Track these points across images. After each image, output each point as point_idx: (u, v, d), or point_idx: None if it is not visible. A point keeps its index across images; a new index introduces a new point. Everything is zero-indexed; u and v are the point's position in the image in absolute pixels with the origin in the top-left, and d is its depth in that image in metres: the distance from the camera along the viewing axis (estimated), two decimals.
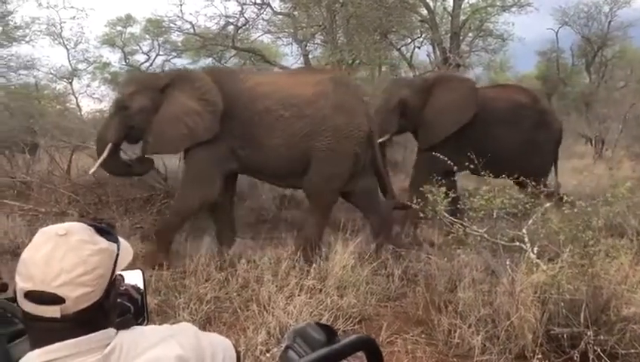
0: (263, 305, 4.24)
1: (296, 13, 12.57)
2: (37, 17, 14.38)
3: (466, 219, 5.33)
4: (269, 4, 12.17)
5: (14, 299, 1.58)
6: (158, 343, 1.08)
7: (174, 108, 5.84)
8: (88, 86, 15.36)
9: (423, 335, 4.20)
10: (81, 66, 14.49)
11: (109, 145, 5.90)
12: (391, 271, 5.35)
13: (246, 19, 11.82)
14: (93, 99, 14.88)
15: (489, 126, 7.31)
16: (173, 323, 1.19)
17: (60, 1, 14.04)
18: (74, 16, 14.48)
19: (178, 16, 12.06)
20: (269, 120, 5.82)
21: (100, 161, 6.04)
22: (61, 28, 14.65)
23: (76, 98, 14.95)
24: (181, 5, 11.92)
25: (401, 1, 11.66)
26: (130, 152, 7.07)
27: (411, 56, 16.01)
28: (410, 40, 15.09)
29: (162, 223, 6.28)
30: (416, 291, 4.87)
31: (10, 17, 13.43)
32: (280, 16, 12.88)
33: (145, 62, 15.32)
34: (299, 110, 5.85)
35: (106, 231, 1.11)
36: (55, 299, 1.00)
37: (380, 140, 6.70)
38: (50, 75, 14.46)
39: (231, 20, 11.70)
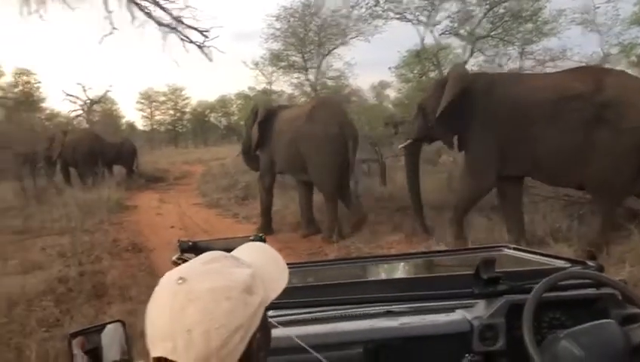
0: None
1: None
2: (563, 9, 14.44)
3: None
4: None
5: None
6: None
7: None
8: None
9: None
10: (613, 51, 14.04)
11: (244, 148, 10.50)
12: None
13: None
14: None
15: (528, 124, 6.19)
16: None
17: None
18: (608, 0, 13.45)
19: None
20: (280, 135, 9.16)
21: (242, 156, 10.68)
22: (594, 14, 14.14)
23: None
24: None
25: None
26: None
27: None
28: None
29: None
30: None
31: (539, 14, 13.97)
32: None
33: None
34: (290, 126, 8.97)
35: None
36: None
37: (402, 145, 7.91)
38: (583, 63, 13.19)
39: None
